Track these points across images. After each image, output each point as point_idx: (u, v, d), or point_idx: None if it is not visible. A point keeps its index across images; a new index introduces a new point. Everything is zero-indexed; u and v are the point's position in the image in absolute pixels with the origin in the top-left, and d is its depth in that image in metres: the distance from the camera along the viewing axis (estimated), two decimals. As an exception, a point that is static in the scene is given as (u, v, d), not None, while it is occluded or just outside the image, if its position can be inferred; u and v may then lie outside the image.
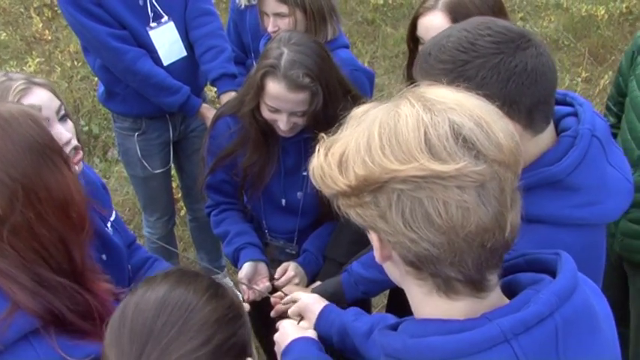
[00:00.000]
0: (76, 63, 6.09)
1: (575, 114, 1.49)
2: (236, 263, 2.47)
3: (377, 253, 1.08)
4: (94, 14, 2.97)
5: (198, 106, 3.27)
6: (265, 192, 2.45)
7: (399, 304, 2.12)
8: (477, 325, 1.01)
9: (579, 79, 5.63)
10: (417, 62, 1.46)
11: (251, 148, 2.34)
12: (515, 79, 1.33)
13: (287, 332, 1.88)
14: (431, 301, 1.07)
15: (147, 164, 3.40)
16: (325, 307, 1.97)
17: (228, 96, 3.21)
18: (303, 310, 2.01)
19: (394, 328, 1.15)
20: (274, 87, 2.13)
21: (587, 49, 6.00)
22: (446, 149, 0.96)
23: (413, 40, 2.34)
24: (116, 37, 3.02)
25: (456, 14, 2.14)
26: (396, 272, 1.11)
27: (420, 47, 2.27)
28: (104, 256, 2.03)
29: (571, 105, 1.52)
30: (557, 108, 1.50)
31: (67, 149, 1.82)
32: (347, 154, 1.03)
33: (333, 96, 2.18)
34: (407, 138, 0.97)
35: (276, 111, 2.19)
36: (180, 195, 4.13)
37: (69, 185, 1.44)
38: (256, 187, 2.43)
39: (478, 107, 1.02)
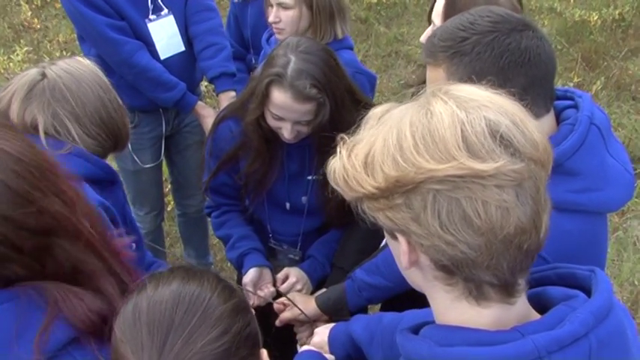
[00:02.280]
0: (64, 53, 6.02)
1: (575, 106, 1.52)
2: (240, 268, 2.44)
3: (403, 258, 1.03)
4: (94, 3, 2.92)
5: (194, 104, 3.23)
6: (269, 195, 2.41)
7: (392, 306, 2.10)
8: (508, 338, 0.98)
9: (571, 84, 5.63)
10: (424, 46, 1.51)
11: (253, 155, 2.29)
12: (508, 56, 1.37)
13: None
14: (458, 307, 1.03)
15: (137, 158, 3.35)
16: (330, 331, 1.93)
17: (227, 95, 3.19)
18: (320, 347, 1.96)
19: (414, 331, 1.12)
20: (279, 96, 2.07)
21: (579, 54, 6.02)
22: (484, 147, 0.93)
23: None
24: (114, 27, 2.97)
25: None
26: (420, 278, 1.06)
27: None
28: (133, 246, 2.02)
29: (571, 99, 1.56)
30: (558, 102, 1.53)
31: None
32: (373, 154, 0.98)
33: (341, 105, 2.12)
34: (443, 136, 0.94)
35: (281, 119, 2.13)
36: (168, 189, 4.08)
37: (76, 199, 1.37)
38: (258, 192, 2.39)
39: (510, 104, 1.00)
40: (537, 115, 1.43)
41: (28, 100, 1.82)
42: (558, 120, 1.51)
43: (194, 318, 1.15)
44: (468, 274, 0.98)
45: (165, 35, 3.10)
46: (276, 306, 2.28)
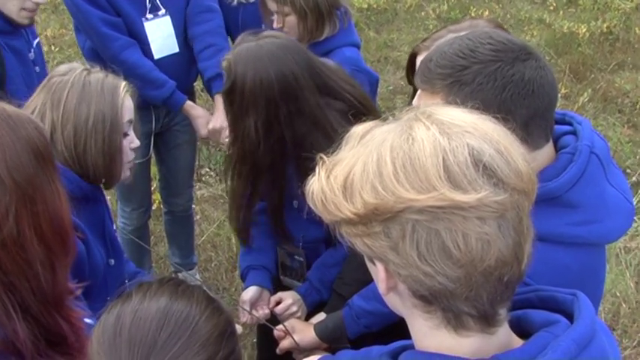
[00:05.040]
0: (53, 48, 5.98)
1: (574, 132, 1.47)
2: (244, 277, 2.41)
3: (381, 285, 1.00)
4: None
5: (182, 103, 3.22)
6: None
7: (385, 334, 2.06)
8: None
9: (559, 95, 5.67)
10: (418, 69, 1.44)
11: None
12: (512, 88, 1.31)
13: None
14: (437, 335, 1.00)
15: (125, 153, 3.33)
16: None
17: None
18: None
19: (394, 356, 1.09)
20: None
21: (567, 65, 6.06)
22: (466, 177, 0.90)
23: (413, 73, 2.28)
24: (108, 23, 2.98)
25: None
26: (399, 303, 1.03)
27: None
28: (112, 261, 1.95)
29: (570, 124, 1.51)
30: (556, 127, 1.48)
31: (132, 156, 1.87)
32: (352, 178, 0.95)
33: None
34: (424, 164, 0.91)
35: None
36: (154, 187, 4.06)
37: (61, 200, 1.31)
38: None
39: (494, 131, 0.97)
40: (538, 146, 1.38)
41: (41, 89, 1.82)
42: (556, 146, 1.46)
43: (178, 342, 1.10)
44: (446, 305, 0.96)
45: (161, 35, 3.11)
46: (276, 333, 2.24)
